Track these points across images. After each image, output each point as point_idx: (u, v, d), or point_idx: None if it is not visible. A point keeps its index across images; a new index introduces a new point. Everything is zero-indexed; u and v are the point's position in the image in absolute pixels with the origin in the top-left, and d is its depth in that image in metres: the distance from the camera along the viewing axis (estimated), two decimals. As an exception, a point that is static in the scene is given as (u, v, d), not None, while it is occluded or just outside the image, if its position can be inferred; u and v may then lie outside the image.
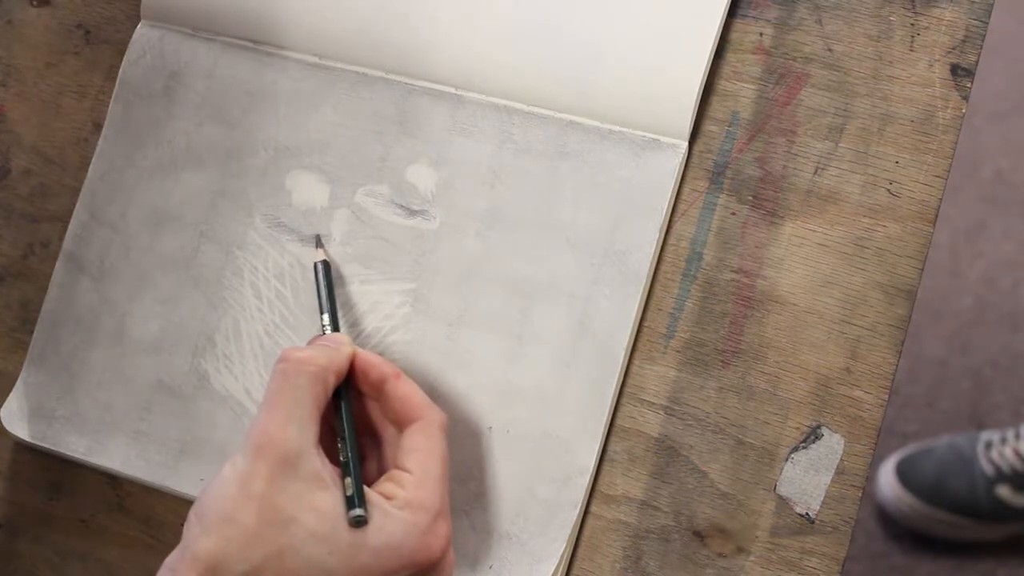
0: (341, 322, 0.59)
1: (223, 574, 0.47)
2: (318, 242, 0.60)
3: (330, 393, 0.52)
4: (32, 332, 0.63)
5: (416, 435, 0.52)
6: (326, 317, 0.57)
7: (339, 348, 0.53)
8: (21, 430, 0.62)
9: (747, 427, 0.55)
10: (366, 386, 0.54)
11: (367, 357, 0.54)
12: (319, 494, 0.49)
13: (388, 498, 0.50)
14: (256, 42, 0.62)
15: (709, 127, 0.58)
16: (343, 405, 0.53)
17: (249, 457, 0.49)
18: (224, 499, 0.48)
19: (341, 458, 0.51)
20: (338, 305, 0.59)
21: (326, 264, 0.59)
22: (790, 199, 0.57)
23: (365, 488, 0.50)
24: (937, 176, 0.55)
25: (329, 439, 0.52)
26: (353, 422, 0.53)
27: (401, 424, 0.53)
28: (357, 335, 0.59)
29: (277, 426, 0.49)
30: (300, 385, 0.50)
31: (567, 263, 0.57)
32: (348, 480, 0.50)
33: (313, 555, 0.48)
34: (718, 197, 0.57)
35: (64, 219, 0.64)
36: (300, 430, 0.49)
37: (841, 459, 0.54)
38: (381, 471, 0.54)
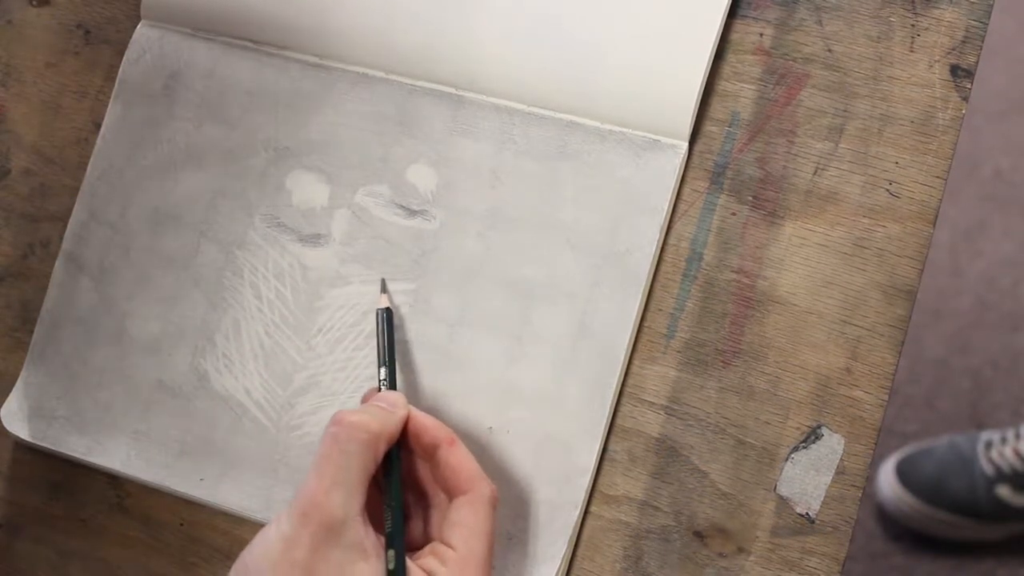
0: (342, 322, 0.59)
1: None
2: (383, 287, 0.58)
3: (380, 459, 0.51)
4: (32, 332, 0.63)
5: (463, 508, 0.51)
6: (383, 371, 0.55)
7: (393, 412, 0.53)
8: (21, 430, 0.62)
9: (747, 427, 0.55)
10: (418, 448, 0.54)
11: (421, 421, 0.53)
12: (360, 564, 0.48)
13: (429, 574, 0.50)
14: (256, 42, 0.62)
15: (709, 127, 0.58)
16: (393, 472, 0.52)
17: (294, 521, 0.48)
18: (266, 562, 0.48)
19: (386, 528, 0.51)
20: (338, 306, 0.59)
21: (389, 312, 0.57)
22: (790, 199, 0.56)
23: (408, 562, 0.50)
24: (937, 176, 0.55)
25: (376, 501, 0.52)
26: (401, 491, 0.52)
27: (450, 492, 0.52)
28: (357, 335, 0.59)
29: (323, 492, 0.49)
30: (350, 452, 0.50)
31: (567, 263, 0.57)
32: (391, 552, 0.50)
33: None
34: (718, 197, 0.57)
35: (64, 219, 0.64)
36: (346, 497, 0.49)
37: (841, 459, 0.54)
38: (426, 534, 0.54)
